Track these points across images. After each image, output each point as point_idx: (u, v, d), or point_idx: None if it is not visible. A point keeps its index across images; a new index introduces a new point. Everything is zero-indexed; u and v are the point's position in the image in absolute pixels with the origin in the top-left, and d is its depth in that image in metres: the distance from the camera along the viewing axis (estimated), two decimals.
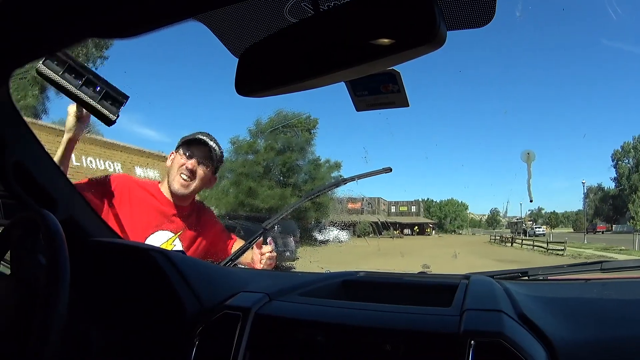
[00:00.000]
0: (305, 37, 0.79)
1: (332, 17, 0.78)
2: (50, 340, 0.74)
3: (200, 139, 1.92)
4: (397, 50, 0.67)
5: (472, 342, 0.80)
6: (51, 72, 1.35)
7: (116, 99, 1.44)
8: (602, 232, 58.52)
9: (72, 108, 1.64)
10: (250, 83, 0.85)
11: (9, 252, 0.98)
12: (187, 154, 1.91)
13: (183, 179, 1.90)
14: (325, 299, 1.12)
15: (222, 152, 2.01)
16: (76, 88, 1.38)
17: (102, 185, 1.82)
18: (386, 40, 0.67)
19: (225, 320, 0.98)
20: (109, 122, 1.42)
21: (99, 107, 1.39)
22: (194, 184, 1.92)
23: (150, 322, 1.08)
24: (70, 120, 1.66)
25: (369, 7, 0.71)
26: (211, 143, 1.94)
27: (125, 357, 1.07)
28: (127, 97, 1.47)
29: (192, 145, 1.92)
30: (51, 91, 22.07)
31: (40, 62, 1.36)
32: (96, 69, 21.88)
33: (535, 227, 62.80)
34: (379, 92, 1.03)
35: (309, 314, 0.99)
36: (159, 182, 2.00)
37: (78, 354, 1.01)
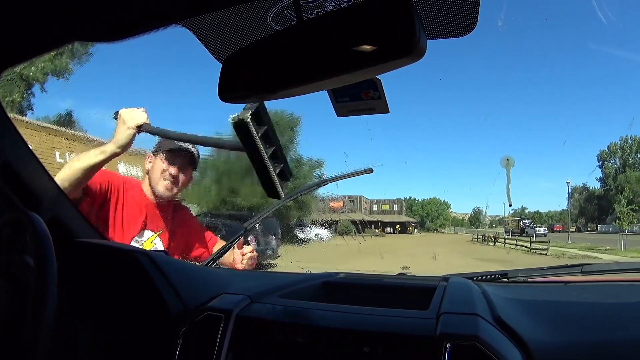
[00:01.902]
0: (289, 45, 0.80)
1: (314, 26, 0.79)
2: (42, 339, 0.75)
3: (181, 147, 1.92)
4: (378, 61, 0.69)
5: (448, 345, 0.82)
6: (253, 129, 1.22)
7: (286, 176, 1.33)
8: (559, 232, 56.69)
9: (139, 116, 1.54)
10: (232, 89, 0.86)
11: None
12: (169, 160, 1.92)
13: (167, 183, 1.92)
14: (305, 300, 1.13)
15: (199, 152, 2.02)
16: (266, 155, 1.26)
17: (96, 181, 1.78)
18: (367, 47, 0.69)
19: (208, 322, 1.00)
20: (277, 197, 1.32)
21: (276, 181, 1.29)
22: (176, 188, 1.95)
23: (135, 323, 1.09)
24: (128, 133, 1.54)
25: (351, 18, 0.73)
26: (190, 147, 1.95)
27: (111, 356, 1.07)
28: (292, 175, 1.37)
29: (174, 151, 1.92)
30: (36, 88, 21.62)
31: (250, 113, 1.23)
32: (81, 66, 21.45)
33: (536, 227, 53.30)
34: (359, 99, 1.05)
35: (289, 316, 1.01)
36: (142, 182, 2.00)
37: (66, 353, 1.01)
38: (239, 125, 1.23)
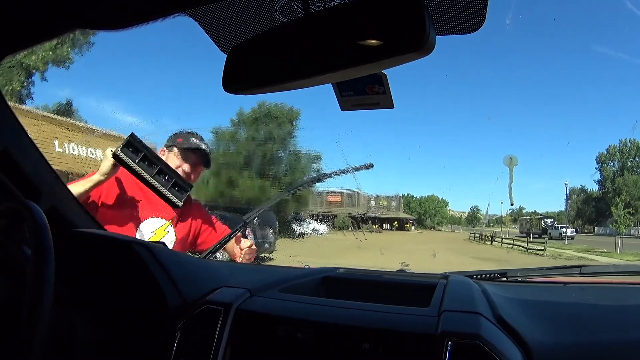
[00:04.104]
0: (295, 37, 0.79)
1: (322, 19, 0.79)
2: (39, 331, 0.75)
3: (197, 146, 2.05)
4: (385, 55, 0.68)
5: (449, 343, 0.81)
6: (128, 159, 1.53)
7: (182, 187, 1.66)
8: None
9: (110, 153, 1.69)
10: (237, 81, 0.85)
11: None
12: (184, 157, 2.03)
13: None
14: (305, 295, 1.13)
15: (210, 152, 2.14)
16: (150, 176, 1.56)
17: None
18: (374, 42, 0.68)
19: (207, 315, 0.99)
20: (175, 206, 1.65)
21: (168, 193, 1.60)
22: None
23: (132, 315, 1.08)
24: (107, 164, 1.70)
25: (359, 12, 0.72)
26: (204, 147, 2.07)
27: (108, 349, 1.07)
28: (191, 186, 1.70)
29: (188, 151, 2.03)
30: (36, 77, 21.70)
31: (119, 148, 1.53)
32: (82, 55, 21.59)
33: (562, 227, 40.26)
34: (364, 93, 1.04)
35: (289, 310, 1.00)
36: None
37: (63, 345, 1.00)
38: (116, 159, 1.56)
